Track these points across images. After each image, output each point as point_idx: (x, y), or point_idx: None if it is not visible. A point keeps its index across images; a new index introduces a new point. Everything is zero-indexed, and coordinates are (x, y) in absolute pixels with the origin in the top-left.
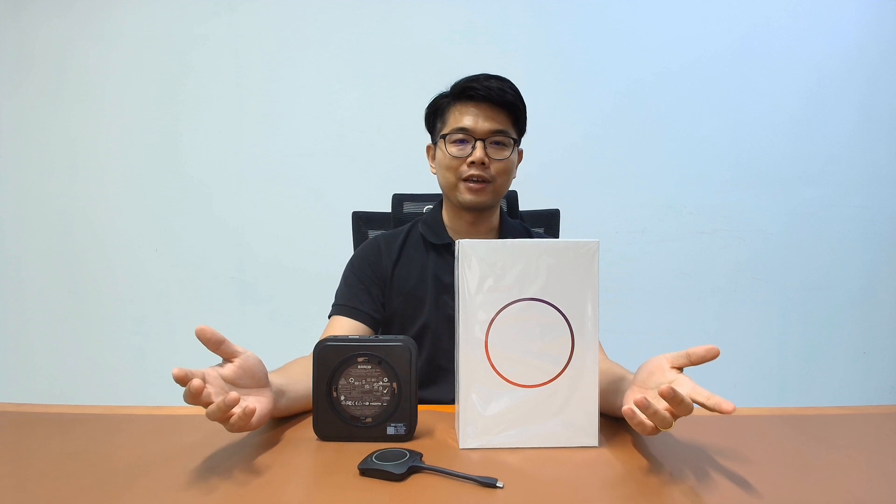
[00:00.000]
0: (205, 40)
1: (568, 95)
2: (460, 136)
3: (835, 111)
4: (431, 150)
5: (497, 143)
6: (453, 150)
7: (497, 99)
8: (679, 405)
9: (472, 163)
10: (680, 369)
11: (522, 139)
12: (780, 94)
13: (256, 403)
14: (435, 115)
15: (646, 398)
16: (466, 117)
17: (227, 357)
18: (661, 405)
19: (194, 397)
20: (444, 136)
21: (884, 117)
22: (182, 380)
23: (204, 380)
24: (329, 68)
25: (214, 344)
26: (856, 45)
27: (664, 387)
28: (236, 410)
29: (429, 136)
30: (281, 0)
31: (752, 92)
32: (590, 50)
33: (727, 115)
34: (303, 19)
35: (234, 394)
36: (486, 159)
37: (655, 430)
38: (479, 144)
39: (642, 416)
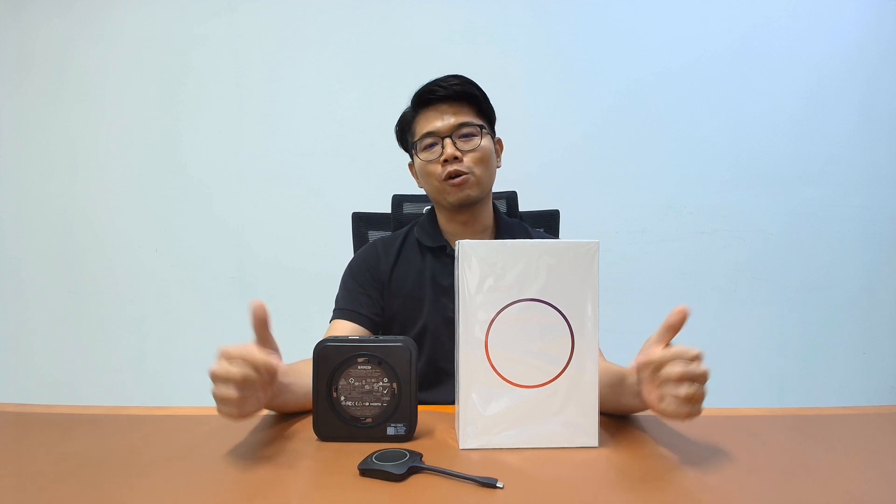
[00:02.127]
0: (205, 40)
1: (568, 95)
2: (429, 140)
3: (835, 111)
4: (412, 167)
5: (465, 135)
6: (425, 154)
7: (454, 95)
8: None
9: (446, 161)
10: (668, 344)
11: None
12: (780, 94)
13: (256, 403)
14: (404, 131)
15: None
16: (430, 122)
17: (262, 342)
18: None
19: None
20: (414, 146)
21: (884, 117)
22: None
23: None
24: (329, 68)
25: (260, 323)
26: (856, 45)
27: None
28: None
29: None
30: (281, 0)
31: (752, 92)
32: (590, 50)
33: (727, 115)
34: (303, 19)
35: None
36: (458, 153)
37: (690, 407)
38: (447, 142)
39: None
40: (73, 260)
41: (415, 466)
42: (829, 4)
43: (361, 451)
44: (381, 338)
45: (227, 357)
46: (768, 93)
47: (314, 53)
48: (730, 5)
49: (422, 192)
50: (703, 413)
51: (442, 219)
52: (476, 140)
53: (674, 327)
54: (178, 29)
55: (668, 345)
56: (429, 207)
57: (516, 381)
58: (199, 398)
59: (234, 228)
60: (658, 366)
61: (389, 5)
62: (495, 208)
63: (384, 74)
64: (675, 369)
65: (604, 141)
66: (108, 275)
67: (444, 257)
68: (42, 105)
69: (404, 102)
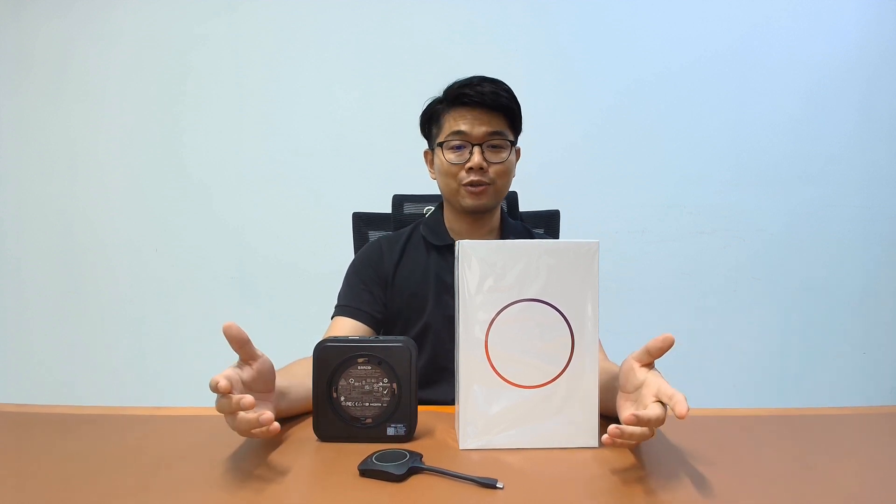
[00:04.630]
0: (205, 40)
1: (568, 95)
2: (457, 141)
3: (835, 111)
4: (429, 156)
5: (494, 146)
6: (451, 156)
7: (491, 103)
8: (648, 423)
9: (471, 168)
10: (649, 365)
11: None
12: (780, 94)
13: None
14: (430, 121)
15: (619, 430)
16: (462, 123)
17: (247, 359)
18: (635, 430)
19: (225, 396)
20: (441, 144)
21: (884, 117)
22: (218, 388)
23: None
24: (329, 68)
25: (239, 343)
26: (856, 45)
27: (627, 416)
28: (257, 429)
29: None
30: (281, 0)
31: (752, 92)
32: (590, 50)
33: (727, 115)
34: (303, 19)
35: (249, 398)
36: (485, 164)
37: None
38: (476, 150)
39: (625, 442)
40: (73, 260)
41: (415, 467)
42: (829, 4)
43: (361, 451)
44: (381, 338)
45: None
46: (768, 93)
47: (314, 53)
48: (730, 5)
49: (422, 192)
50: (703, 413)
51: (450, 217)
52: (504, 153)
53: (654, 354)
54: (178, 29)
55: (649, 366)
56: (430, 208)
57: (516, 381)
58: (199, 398)
59: (235, 228)
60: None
61: (389, 5)
62: (501, 210)
63: (384, 74)
64: (653, 417)
65: (604, 141)
66: (108, 275)
67: (450, 256)
68: (42, 105)
69: (404, 102)
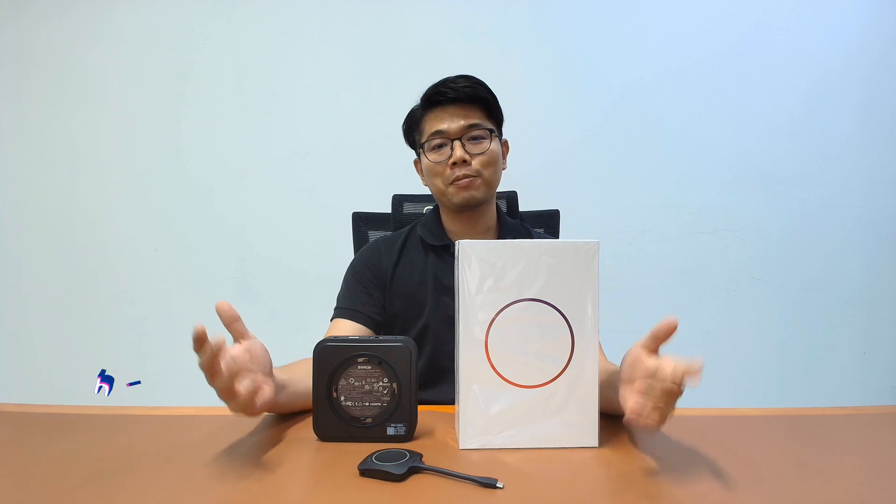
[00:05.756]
0: (205, 40)
1: (568, 95)
2: (437, 140)
3: (835, 111)
4: (418, 164)
5: (474, 137)
6: (433, 156)
7: (465, 97)
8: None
9: (455, 163)
10: (656, 352)
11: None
12: (780, 94)
13: (263, 384)
14: (411, 129)
15: (639, 401)
16: (439, 122)
17: (237, 337)
18: (655, 392)
19: (200, 341)
20: (422, 146)
21: (884, 117)
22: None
23: (218, 348)
24: (329, 68)
25: (229, 319)
26: (856, 45)
27: (649, 363)
28: (242, 389)
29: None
30: (281, 0)
31: (752, 92)
32: (590, 50)
33: (727, 115)
34: (303, 19)
35: (222, 336)
36: (467, 156)
37: (662, 419)
38: (456, 144)
39: (646, 414)
40: (73, 260)
41: (415, 466)
42: (829, 4)
43: (361, 451)
44: (381, 338)
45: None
46: (768, 92)
47: (314, 53)
48: (730, 5)
49: (422, 191)
50: (704, 413)
51: (446, 218)
52: (485, 143)
53: (660, 338)
54: (178, 29)
55: (654, 352)
56: (429, 207)
57: (516, 381)
58: (199, 398)
59: (235, 228)
60: (653, 374)
61: (389, 5)
62: (498, 209)
63: (384, 74)
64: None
65: (604, 141)
66: (108, 275)
67: (447, 256)
68: (42, 105)
69: (404, 102)
